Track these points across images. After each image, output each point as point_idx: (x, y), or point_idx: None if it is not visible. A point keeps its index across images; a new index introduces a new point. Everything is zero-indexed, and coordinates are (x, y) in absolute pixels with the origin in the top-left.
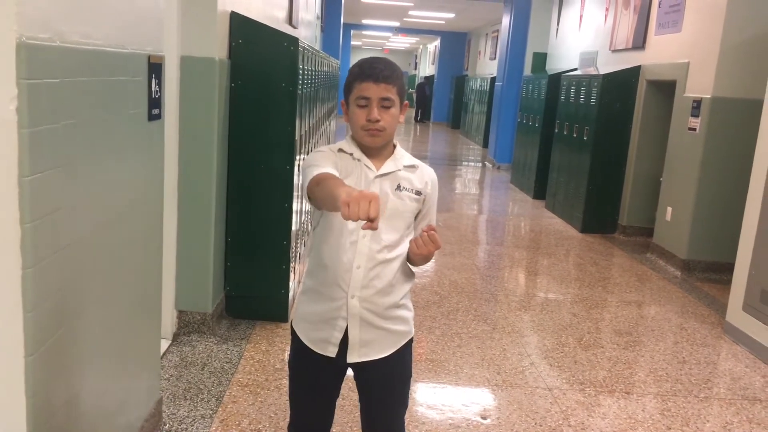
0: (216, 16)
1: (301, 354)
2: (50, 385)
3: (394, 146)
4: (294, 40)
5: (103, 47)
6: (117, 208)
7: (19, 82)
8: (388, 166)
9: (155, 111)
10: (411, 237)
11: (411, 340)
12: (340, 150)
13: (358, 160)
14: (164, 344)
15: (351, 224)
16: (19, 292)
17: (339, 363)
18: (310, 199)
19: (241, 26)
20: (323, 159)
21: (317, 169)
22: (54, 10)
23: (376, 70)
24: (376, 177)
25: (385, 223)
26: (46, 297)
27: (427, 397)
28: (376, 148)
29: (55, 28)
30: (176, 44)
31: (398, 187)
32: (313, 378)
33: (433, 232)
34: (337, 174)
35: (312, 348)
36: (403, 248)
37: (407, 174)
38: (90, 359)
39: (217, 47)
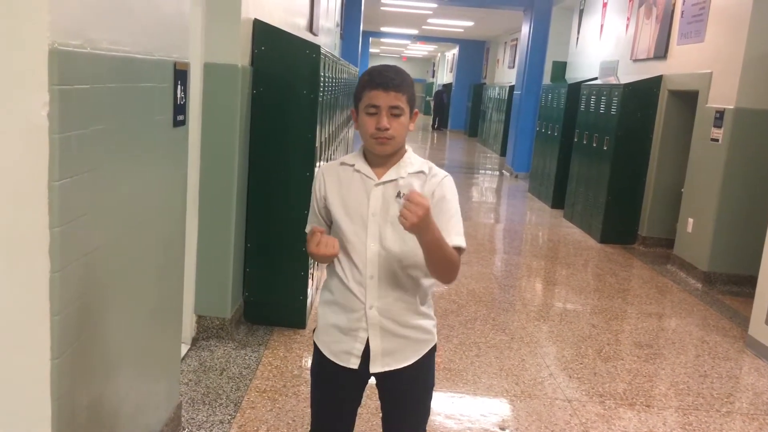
0: (239, 24)
1: (323, 366)
2: (74, 388)
3: (406, 152)
4: (316, 48)
5: (131, 54)
6: (141, 213)
7: (51, 88)
8: (389, 174)
9: (180, 117)
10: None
11: (434, 348)
12: (342, 163)
13: (358, 170)
14: (183, 349)
15: (362, 235)
16: (46, 296)
17: (362, 373)
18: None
19: (264, 34)
20: (311, 209)
21: (308, 224)
22: (85, 17)
23: (385, 78)
24: (377, 185)
25: (390, 231)
26: (72, 301)
27: (445, 406)
28: (384, 156)
29: (85, 35)
30: (200, 51)
31: (398, 195)
32: (335, 389)
33: (409, 198)
34: (319, 222)
35: (334, 361)
36: (416, 256)
37: (411, 180)
38: (112, 363)
39: (240, 54)
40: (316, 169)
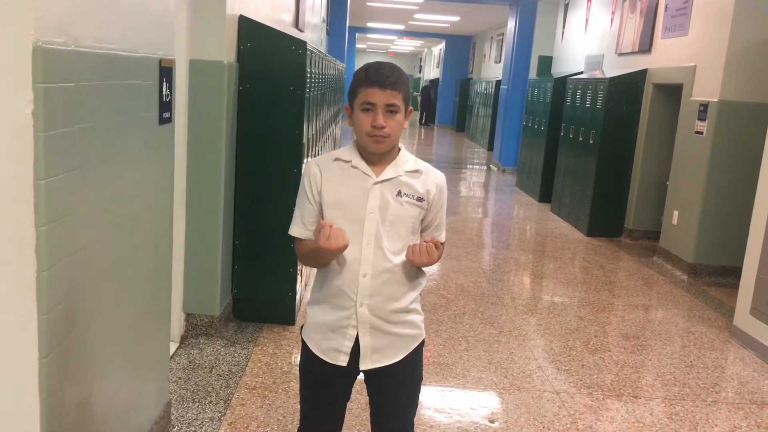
0: (225, 20)
1: (311, 363)
2: (63, 387)
3: (399, 150)
4: (302, 44)
5: (116, 51)
6: (128, 211)
7: (35, 86)
8: (388, 172)
9: (166, 114)
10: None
11: (422, 343)
12: (337, 159)
13: (356, 167)
14: (172, 347)
15: (357, 233)
16: (33, 295)
17: (351, 370)
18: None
19: (249, 30)
20: (302, 205)
21: (294, 227)
22: (69, 14)
23: (382, 75)
24: (375, 183)
25: (388, 229)
26: (59, 300)
27: (435, 400)
28: (379, 154)
29: (70, 32)
30: (185, 48)
31: (399, 193)
32: (324, 386)
33: (432, 245)
34: (312, 216)
35: (323, 358)
36: None
37: (409, 179)
38: (101, 361)
39: (225, 51)
40: (304, 165)
